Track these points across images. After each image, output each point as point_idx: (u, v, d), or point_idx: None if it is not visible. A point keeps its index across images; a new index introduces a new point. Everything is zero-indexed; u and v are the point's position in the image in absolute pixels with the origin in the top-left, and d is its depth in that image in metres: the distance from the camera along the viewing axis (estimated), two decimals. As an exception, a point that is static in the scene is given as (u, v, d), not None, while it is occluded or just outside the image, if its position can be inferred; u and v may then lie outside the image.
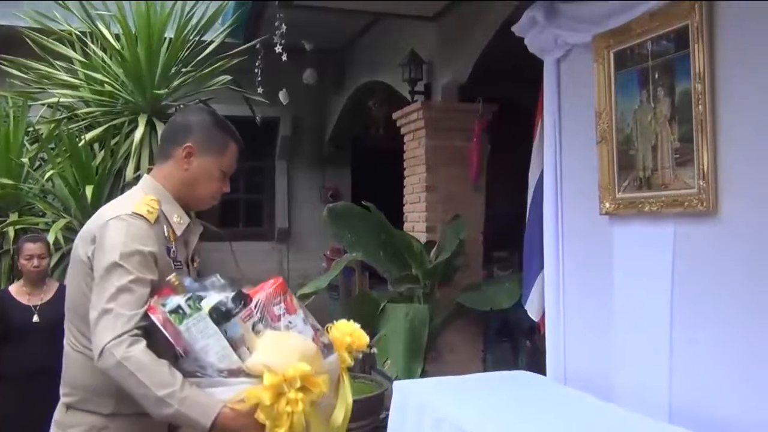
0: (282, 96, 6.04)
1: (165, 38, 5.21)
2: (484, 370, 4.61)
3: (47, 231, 4.26)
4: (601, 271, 2.93)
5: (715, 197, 2.34)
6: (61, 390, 1.74)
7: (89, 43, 5.30)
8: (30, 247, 3.57)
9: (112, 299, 1.52)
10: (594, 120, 2.91)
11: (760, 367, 2.20)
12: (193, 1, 5.34)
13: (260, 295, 1.52)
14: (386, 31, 5.59)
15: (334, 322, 1.75)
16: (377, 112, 6.33)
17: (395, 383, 3.12)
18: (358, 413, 2.80)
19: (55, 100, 5.09)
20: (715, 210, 2.35)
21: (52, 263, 4.23)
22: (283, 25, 4.35)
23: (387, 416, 3.07)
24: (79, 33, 5.34)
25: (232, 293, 1.52)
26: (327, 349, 1.58)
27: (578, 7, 3.00)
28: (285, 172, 7.27)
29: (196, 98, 5.50)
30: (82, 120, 5.15)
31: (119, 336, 1.48)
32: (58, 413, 1.73)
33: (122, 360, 1.46)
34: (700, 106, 2.36)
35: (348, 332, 1.71)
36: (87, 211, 4.55)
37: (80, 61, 5.31)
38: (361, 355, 1.76)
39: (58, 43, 5.35)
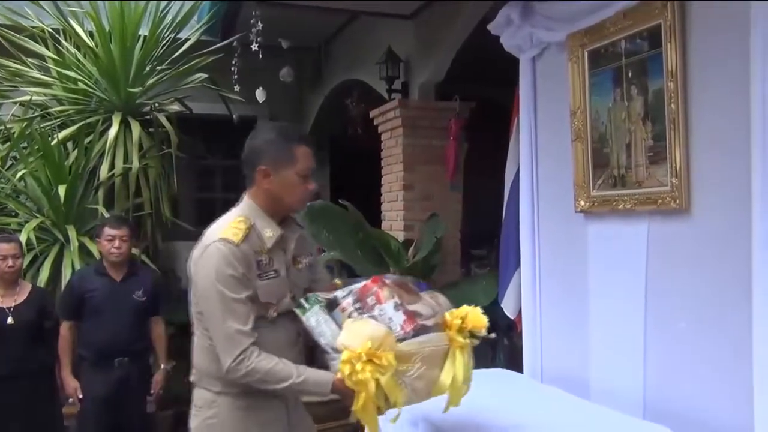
0: (259, 94, 6.00)
1: (139, 36, 5.14)
2: (462, 368, 4.62)
3: (20, 231, 4.19)
4: (577, 268, 2.95)
5: (688, 195, 2.37)
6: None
7: (62, 40, 5.22)
8: (4, 248, 3.51)
9: (222, 322, 1.86)
10: (569, 118, 2.93)
11: (733, 362, 2.22)
12: (168, 0, 5.27)
13: (354, 287, 1.94)
14: (363, 29, 5.58)
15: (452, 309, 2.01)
16: (355, 110, 6.30)
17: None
18: (334, 412, 2.80)
19: (27, 98, 4.99)
20: (687, 207, 2.37)
21: (25, 264, 4.17)
22: (259, 23, 4.33)
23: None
24: (51, 30, 5.25)
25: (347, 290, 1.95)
26: (423, 329, 1.89)
27: (552, 6, 3.01)
28: (263, 171, 7.22)
29: (171, 96, 5.44)
30: (55, 118, 5.06)
31: (237, 357, 1.85)
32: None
33: (246, 375, 1.86)
34: (672, 105, 2.38)
35: (460, 316, 1.97)
36: (60, 210, 4.49)
37: (53, 59, 5.23)
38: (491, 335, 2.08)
39: (30, 41, 5.25)
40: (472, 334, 2.00)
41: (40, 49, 5.25)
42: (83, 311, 3.60)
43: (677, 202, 2.39)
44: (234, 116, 5.70)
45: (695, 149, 2.35)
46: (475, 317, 1.97)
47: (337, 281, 2.06)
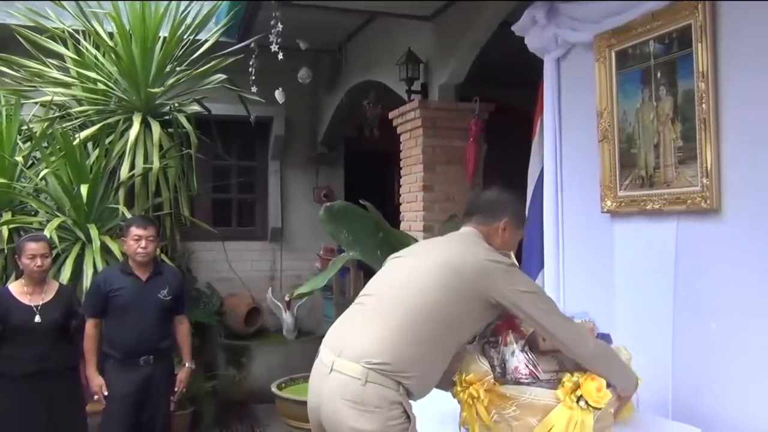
0: (278, 95, 6.01)
1: (159, 37, 5.17)
2: (481, 369, 4.61)
3: (41, 230, 4.22)
4: (602, 269, 2.94)
5: (719, 195, 2.36)
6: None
7: (82, 41, 5.24)
8: (33, 247, 3.54)
9: (558, 320, 2.03)
10: (595, 119, 2.93)
11: (763, 364, 2.22)
12: (188, 0, 5.30)
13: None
14: (382, 30, 5.59)
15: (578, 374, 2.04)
16: (371, 112, 6.30)
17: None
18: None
19: (48, 98, 5.03)
20: (718, 208, 2.37)
21: (47, 263, 4.20)
22: (279, 24, 4.33)
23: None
24: (72, 31, 5.28)
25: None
26: (535, 380, 2.07)
27: (578, 7, 3.01)
28: (278, 172, 7.25)
29: (190, 97, 5.47)
30: (76, 118, 5.10)
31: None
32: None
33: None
34: (703, 105, 2.38)
35: (576, 381, 1.99)
36: (81, 209, 4.51)
37: (73, 59, 5.25)
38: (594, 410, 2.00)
39: (50, 41, 5.28)
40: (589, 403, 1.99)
41: (61, 49, 5.27)
42: (108, 309, 3.63)
43: (708, 202, 2.38)
44: (252, 117, 5.72)
45: (726, 149, 2.35)
46: (588, 390, 1.96)
47: None
